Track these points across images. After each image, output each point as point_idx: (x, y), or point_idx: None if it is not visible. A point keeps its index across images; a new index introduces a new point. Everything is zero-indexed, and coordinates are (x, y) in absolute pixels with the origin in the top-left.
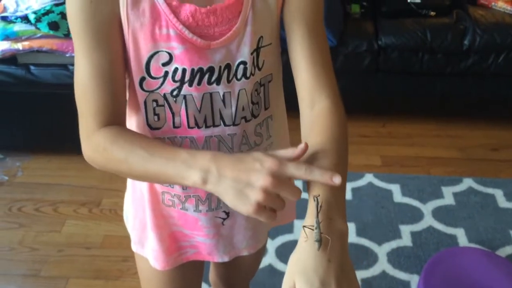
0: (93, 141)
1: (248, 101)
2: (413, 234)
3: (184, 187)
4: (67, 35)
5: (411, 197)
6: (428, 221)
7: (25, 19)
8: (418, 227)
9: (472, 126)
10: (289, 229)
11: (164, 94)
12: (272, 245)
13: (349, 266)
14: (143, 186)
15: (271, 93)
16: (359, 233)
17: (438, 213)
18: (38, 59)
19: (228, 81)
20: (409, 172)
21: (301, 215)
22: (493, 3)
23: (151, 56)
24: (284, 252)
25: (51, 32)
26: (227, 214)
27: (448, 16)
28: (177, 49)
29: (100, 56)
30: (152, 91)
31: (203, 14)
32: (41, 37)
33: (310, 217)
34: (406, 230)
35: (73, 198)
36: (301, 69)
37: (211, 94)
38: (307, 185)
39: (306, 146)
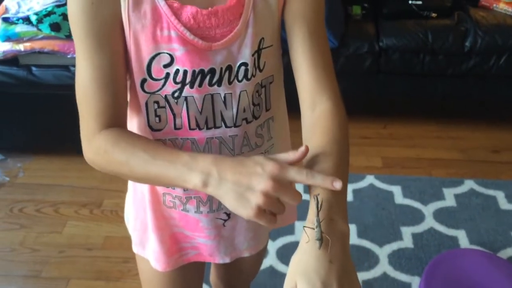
0: (94, 143)
1: (249, 103)
2: (414, 236)
3: (185, 189)
4: (69, 36)
5: (412, 198)
6: (429, 222)
7: (26, 20)
8: (419, 228)
9: (474, 127)
10: (290, 230)
11: (165, 96)
12: (273, 246)
13: (350, 267)
14: (144, 187)
15: (272, 95)
16: (360, 234)
17: (439, 215)
18: (40, 60)
19: (229, 82)
20: (410, 173)
21: (302, 216)
22: (494, 5)
23: (153, 58)
24: (285, 254)
25: (53, 33)
26: (228, 215)
27: (449, 18)
28: (178, 50)
29: (101, 57)
30: (153, 93)
31: (204, 15)
32: (42, 38)
33: (311, 217)
34: (407, 231)
35: (74, 199)
36: (302, 71)
37: (212, 95)
38: (308, 185)
39: (307, 149)
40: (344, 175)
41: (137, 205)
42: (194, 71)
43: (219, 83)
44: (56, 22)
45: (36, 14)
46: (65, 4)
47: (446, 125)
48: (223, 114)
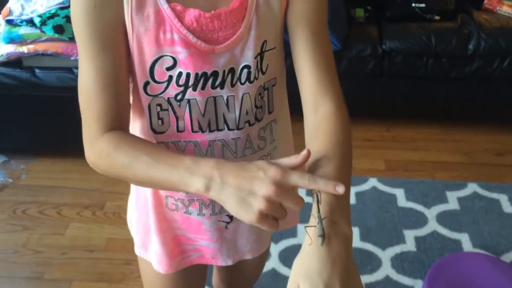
0: (97, 146)
1: (251, 105)
2: (417, 239)
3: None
4: (72, 39)
5: (415, 201)
6: (433, 226)
7: (30, 22)
8: (422, 232)
9: (477, 130)
10: (293, 233)
11: (168, 99)
12: (275, 249)
13: (353, 270)
14: (147, 190)
15: (274, 97)
16: (363, 237)
17: (442, 218)
18: (43, 62)
19: (232, 85)
20: (413, 176)
21: (305, 219)
22: (497, 8)
23: (155, 61)
24: (288, 256)
25: (56, 36)
26: (231, 218)
27: (452, 21)
28: (181, 53)
29: (104, 60)
30: (156, 96)
31: (207, 18)
32: (46, 40)
33: (314, 213)
34: (410, 235)
35: (77, 201)
36: (305, 73)
37: (215, 98)
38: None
39: (309, 152)
40: (347, 178)
41: (139, 208)
42: (197, 74)
43: (221, 85)
44: (60, 24)
45: (40, 16)
46: (68, 7)
47: (449, 128)
48: (225, 116)
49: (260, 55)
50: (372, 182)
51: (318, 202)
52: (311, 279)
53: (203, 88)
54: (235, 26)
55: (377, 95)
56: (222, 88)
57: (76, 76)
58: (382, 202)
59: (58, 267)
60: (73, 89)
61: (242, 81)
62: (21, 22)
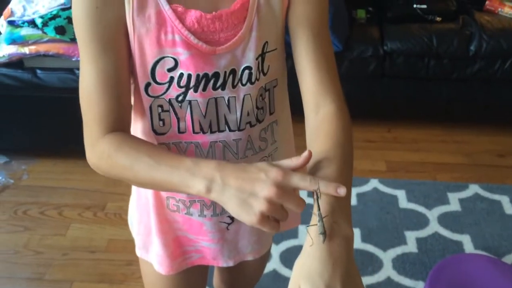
0: (98, 148)
1: (253, 106)
2: (419, 240)
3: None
4: (74, 40)
5: (416, 203)
6: (434, 227)
7: (32, 23)
8: (423, 233)
9: (478, 132)
10: (294, 234)
11: (169, 100)
12: (276, 250)
13: (354, 271)
14: (148, 191)
15: (276, 98)
16: (364, 238)
17: (443, 219)
18: (45, 63)
19: (233, 86)
20: (415, 177)
21: (306, 220)
22: (499, 9)
23: (157, 62)
24: (289, 257)
25: (58, 37)
26: (232, 219)
27: (454, 22)
28: (182, 54)
29: (105, 61)
30: (158, 97)
31: (208, 20)
32: (47, 41)
33: (315, 216)
34: (411, 236)
35: (78, 201)
36: (306, 74)
37: (216, 99)
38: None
39: (310, 154)
40: (348, 179)
41: (140, 209)
42: (198, 75)
43: (223, 87)
44: (61, 25)
45: (42, 17)
46: (70, 8)
47: (451, 129)
48: (227, 117)
49: (261, 56)
50: (373, 183)
51: (318, 199)
52: (312, 280)
53: (204, 89)
54: (236, 27)
55: (379, 96)
56: (223, 89)
57: (78, 77)
58: (383, 203)
59: (59, 268)
60: (75, 90)
61: (243, 82)
62: (23, 23)
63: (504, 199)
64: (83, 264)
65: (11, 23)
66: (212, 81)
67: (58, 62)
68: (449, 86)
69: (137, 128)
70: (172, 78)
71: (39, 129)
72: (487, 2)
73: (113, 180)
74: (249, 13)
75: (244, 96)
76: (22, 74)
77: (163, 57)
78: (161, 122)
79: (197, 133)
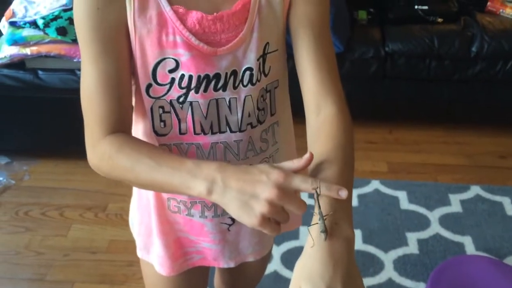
0: (99, 149)
1: (254, 107)
2: (420, 242)
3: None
4: (75, 41)
5: (418, 204)
6: (435, 228)
7: (33, 24)
8: (425, 234)
9: (480, 133)
10: (295, 235)
11: (171, 101)
12: (277, 251)
13: (355, 273)
14: (149, 192)
15: (277, 99)
16: (365, 240)
17: (445, 221)
18: (46, 64)
19: (234, 87)
20: (416, 179)
21: (307, 221)
22: (501, 10)
23: (158, 63)
24: (290, 259)
25: (59, 38)
26: (233, 220)
27: (455, 23)
28: (183, 56)
29: (106, 62)
30: (159, 98)
31: (209, 21)
32: (49, 42)
33: (316, 215)
34: (412, 237)
35: (79, 202)
36: (307, 75)
37: (217, 100)
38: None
39: (311, 156)
40: (349, 180)
41: (141, 210)
42: (199, 76)
43: (224, 88)
44: (63, 26)
45: (43, 18)
46: (71, 9)
47: (452, 131)
48: (228, 119)
49: (263, 57)
50: (375, 184)
51: (317, 198)
52: (313, 281)
53: (205, 90)
54: (238, 28)
55: (380, 97)
56: (224, 90)
57: (79, 78)
58: (384, 205)
59: (60, 269)
60: (76, 91)
61: (245, 83)
62: (24, 24)
63: (505, 201)
64: (84, 265)
65: (12, 24)
66: (213, 82)
67: (60, 63)
68: (451, 87)
69: (138, 129)
70: (173, 79)
71: (40, 130)
72: (488, 3)
73: (114, 181)
74: (250, 14)
75: (245, 97)
76: (24, 75)
77: (164, 58)
78: (162, 123)
79: (198, 134)
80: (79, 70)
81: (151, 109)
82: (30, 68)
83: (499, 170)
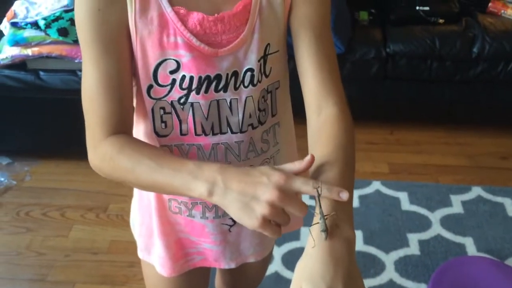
0: (100, 150)
1: (255, 108)
2: (421, 243)
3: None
4: (76, 41)
5: (419, 205)
6: (436, 229)
7: (35, 25)
8: (426, 235)
9: (481, 134)
10: (296, 236)
11: (172, 102)
12: (278, 252)
13: (356, 273)
14: (150, 193)
15: (278, 100)
16: (366, 241)
17: (446, 222)
18: (47, 65)
19: (235, 88)
20: (417, 179)
21: (308, 222)
22: (502, 11)
23: (159, 64)
24: (291, 260)
25: (61, 38)
26: (234, 221)
27: (457, 24)
28: (184, 57)
29: (108, 63)
30: (160, 99)
31: (210, 22)
32: (50, 43)
33: (317, 215)
34: (414, 238)
35: (80, 203)
36: (308, 76)
37: (218, 101)
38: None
39: (313, 158)
40: (350, 181)
41: (142, 211)
42: (200, 77)
43: (225, 89)
44: (64, 27)
45: (44, 19)
46: (73, 10)
47: (453, 131)
48: (229, 120)
49: (264, 58)
50: (376, 185)
51: (318, 197)
52: (313, 282)
53: (206, 91)
54: (239, 29)
55: (381, 98)
56: (225, 91)
57: (80, 78)
58: (385, 206)
59: (61, 269)
60: (77, 92)
61: (246, 84)
62: (26, 24)
63: (507, 202)
64: (85, 266)
65: (14, 24)
66: (214, 83)
67: (61, 64)
68: (452, 88)
69: (139, 130)
70: (174, 80)
71: (41, 131)
72: (490, 4)
73: (116, 181)
74: (251, 15)
75: (246, 98)
76: (25, 76)
77: (165, 59)
78: (163, 124)
79: (199, 135)
80: (81, 71)
81: (152, 110)
82: (31, 69)
83: (500, 171)
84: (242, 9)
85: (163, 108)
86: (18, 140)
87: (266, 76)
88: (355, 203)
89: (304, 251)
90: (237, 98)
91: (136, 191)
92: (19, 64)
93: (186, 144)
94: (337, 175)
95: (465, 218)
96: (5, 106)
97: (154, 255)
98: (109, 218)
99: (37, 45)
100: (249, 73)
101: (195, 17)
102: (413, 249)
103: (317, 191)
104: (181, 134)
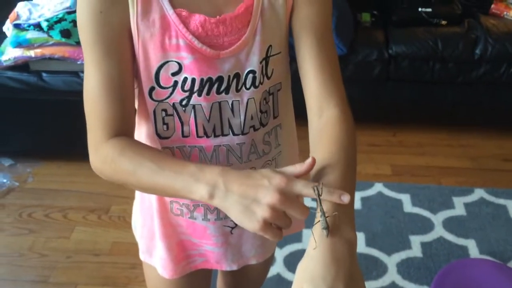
0: (101, 152)
1: (256, 110)
2: (423, 245)
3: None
4: (79, 43)
5: (421, 207)
6: (439, 231)
7: (37, 26)
8: (428, 237)
9: (484, 136)
10: (298, 238)
11: (173, 104)
12: (280, 254)
13: (358, 275)
14: (152, 195)
15: (280, 102)
16: (369, 243)
17: (448, 224)
18: (50, 66)
19: (237, 90)
20: (420, 181)
21: (310, 224)
22: (505, 12)
23: (161, 66)
24: (293, 261)
25: (63, 40)
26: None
27: (459, 25)
28: (186, 59)
29: (109, 65)
30: (161, 101)
31: (212, 24)
32: (53, 44)
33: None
34: (416, 240)
35: (82, 204)
36: (310, 77)
37: (220, 103)
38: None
39: (314, 160)
40: (352, 183)
41: (144, 213)
42: (202, 79)
43: (226, 91)
44: (67, 29)
45: (47, 20)
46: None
47: (456, 133)
48: (230, 121)
49: (265, 60)
50: (378, 187)
51: (318, 196)
52: (315, 283)
53: (208, 93)
54: (240, 31)
55: (383, 100)
56: (227, 93)
57: (83, 80)
58: (388, 207)
59: (63, 271)
60: (80, 93)
61: (247, 86)
62: (29, 26)
63: (509, 204)
64: (87, 267)
65: (17, 26)
66: (216, 85)
67: (64, 65)
68: (455, 89)
69: (141, 132)
70: (176, 82)
71: (44, 132)
72: (492, 6)
73: (117, 184)
74: (253, 17)
75: (247, 100)
76: (28, 77)
77: (167, 61)
78: (165, 126)
79: (201, 137)
80: (83, 72)
81: (154, 112)
82: (34, 70)
83: (503, 173)
84: (244, 11)
85: (165, 110)
86: (20, 141)
87: (268, 78)
88: (357, 205)
89: (305, 252)
90: (238, 100)
91: (137, 193)
92: (21, 66)
93: (188, 146)
94: (339, 177)
95: (468, 220)
96: (8, 107)
97: (155, 257)
98: (111, 219)
99: (39, 46)
100: (251, 75)
101: (197, 19)
102: (415, 251)
103: (317, 189)
104: (183, 136)
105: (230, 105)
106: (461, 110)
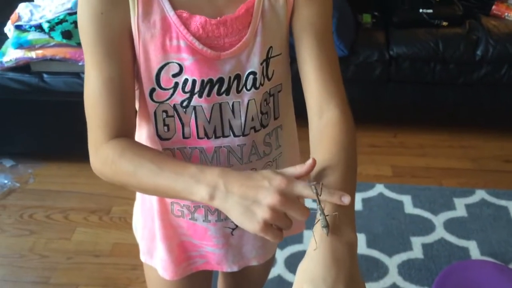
0: (102, 153)
1: (257, 111)
2: (425, 246)
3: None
4: (80, 44)
5: (422, 208)
6: (440, 233)
7: (39, 28)
8: (429, 239)
9: (485, 137)
10: (299, 239)
11: (174, 105)
12: (281, 255)
13: (358, 276)
14: (152, 196)
15: (280, 103)
16: (370, 244)
17: (450, 225)
18: (51, 67)
19: (238, 91)
20: (421, 183)
21: (311, 225)
22: (506, 14)
23: (162, 67)
24: (293, 263)
25: (64, 41)
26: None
27: (460, 26)
28: (187, 60)
29: (110, 66)
30: (162, 102)
31: (213, 25)
32: (54, 45)
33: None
34: (417, 242)
35: (83, 205)
36: (310, 78)
37: (220, 104)
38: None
39: (314, 162)
40: (352, 184)
41: (145, 214)
42: (202, 81)
43: (227, 92)
44: (68, 30)
45: (48, 22)
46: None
47: (457, 134)
48: (231, 123)
49: (266, 61)
50: (379, 188)
51: (317, 194)
52: (315, 284)
53: (209, 94)
54: (241, 32)
55: (384, 101)
56: (228, 94)
57: (84, 81)
58: (389, 209)
59: (64, 272)
60: (81, 94)
61: (248, 87)
62: (30, 27)
63: (511, 205)
64: (88, 268)
65: (18, 27)
66: (216, 87)
67: (65, 67)
68: (456, 91)
69: (142, 133)
70: (176, 84)
71: (45, 133)
72: (493, 7)
73: (117, 185)
74: (254, 18)
75: (248, 101)
76: (29, 78)
77: (168, 63)
78: (165, 128)
79: (201, 138)
80: (84, 73)
81: (155, 113)
82: (35, 72)
83: (504, 174)
84: (245, 12)
85: (166, 112)
86: (21, 142)
87: (269, 79)
88: (358, 206)
89: (306, 253)
90: (239, 101)
91: (138, 194)
92: (23, 67)
93: (189, 147)
94: (339, 178)
95: (469, 222)
96: (9, 108)
97: (156, 259)
98: (112, 220)
99: (41, 47)
100: (251, 76)
101: (197, 21)
102: (416, 252)
103: (315, 187)
104: (184, 137)
105: (231, 106)
106: (462, 111)
